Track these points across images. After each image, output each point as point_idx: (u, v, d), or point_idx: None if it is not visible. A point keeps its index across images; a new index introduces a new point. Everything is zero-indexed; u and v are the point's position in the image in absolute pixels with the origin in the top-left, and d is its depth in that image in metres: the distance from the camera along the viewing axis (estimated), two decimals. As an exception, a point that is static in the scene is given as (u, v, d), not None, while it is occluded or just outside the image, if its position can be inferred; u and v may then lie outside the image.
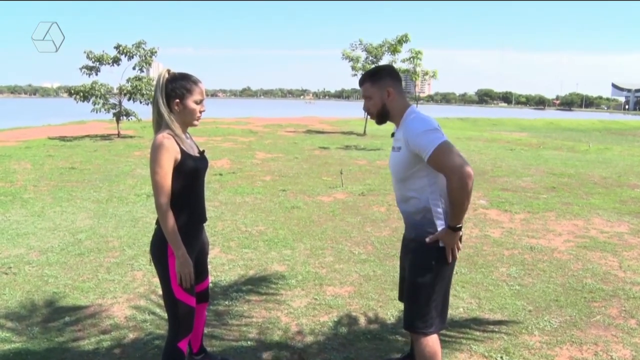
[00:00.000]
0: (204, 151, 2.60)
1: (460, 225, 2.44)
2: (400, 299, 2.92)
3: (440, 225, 2.50)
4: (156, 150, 2.32)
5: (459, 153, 2.38)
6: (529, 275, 4.72)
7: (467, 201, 2.37)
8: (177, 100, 2.41)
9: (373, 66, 2.62)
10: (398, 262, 4.92)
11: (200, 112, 2.47)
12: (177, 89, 2.40)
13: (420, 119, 2.47)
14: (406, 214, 2.64)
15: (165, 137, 2.34)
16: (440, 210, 2.51)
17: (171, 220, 2.35)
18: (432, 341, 2.56)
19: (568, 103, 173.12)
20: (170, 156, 2.33)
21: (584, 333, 3.58)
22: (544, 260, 5.13)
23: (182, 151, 2.39)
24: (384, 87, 2.54)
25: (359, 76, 17.35)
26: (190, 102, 2.42)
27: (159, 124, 2.42)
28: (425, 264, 2.52)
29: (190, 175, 2.43)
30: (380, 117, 2.62)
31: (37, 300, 4.00)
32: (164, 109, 2.39)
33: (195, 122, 2.48)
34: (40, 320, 3.67)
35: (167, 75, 2.42)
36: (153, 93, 2.44)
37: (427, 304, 2.53)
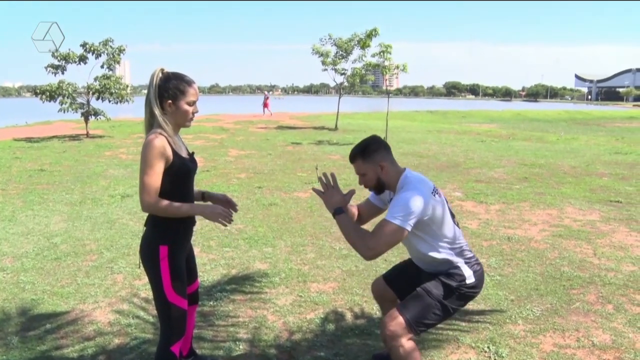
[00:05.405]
0: (193, 153, 2.56)
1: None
2: (386, 279, 2.94)
3: (466, 272, 2.58)
4: (147, 149, 2.27)
5: (392, 243, 2.48)
6: (508, 265, 4.80)
7: (350, 243, 2.57)
8: (170, 101, 2.36)
9: (358, 146, 2.65)
10: (379, 257, 4.96)
11: (193, 113, 2.43)
12: (170, 90, 2.34)
13: (407, 198, 2.45)
14: (428, 268, 2.69)
15: (156, 136, 2.29)
16: (457, 258, 2.60)
17: (167, 204, 2.32)
18: (408, 342, 2.54)
19: (534, 94, 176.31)
20: (161, 156, 2.28)
21: (565, 320, 3.67)
22: (521, 250, 5.23)
23: (174, 152, 2.35)
24: (376, 163, 2.58)
25: (330, 72, 17.18)
26: (183, 104, 2.37)
27: (151, 123, 2.37)
28: (448, 285, 2.57)
29: (180, 176, 2.39)
30: (378, 189, 2.68)
31: (14, 308, 3.89)
32: (156, 109, 2.34)
33: (187, 124, 2.44)
34: (20, 329, 3.56)
35: (160, 75, 2.36)
36: (146, 92, 2.38)
37: (427, 310, 2.54)
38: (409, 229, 2.43)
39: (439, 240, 2.57)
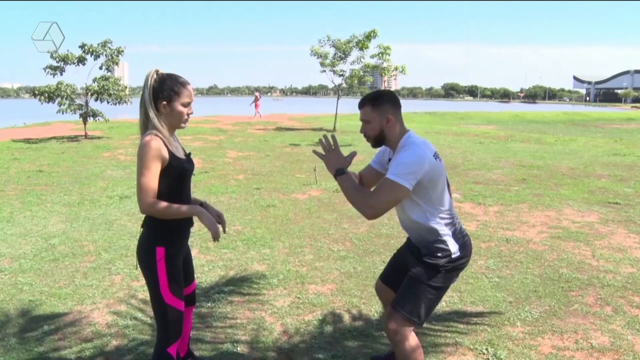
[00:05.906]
0: (190, 153, 2.56)
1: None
2: (383, 279, 2.95)
3: (452, 246, 2.56)
4: (143, 151, 2.27)
5: (393, 201, 2.45)
6: (506, 267, 4.80)
7: (352, 203, 2.52)
8: (164, 103, 2.36)
9: (371, 93, 2.62)
10: (377, 258, 4.96)
11: (188, 114, 2.43)
12: (164, 91, 2.34)
13: (409, 157, 2.44)
14: (415, 237, 2.67)
15: (152, 138, 2.29)
16: (446, 229, 2.56)
17: (166, 205, 2.31)
18: (412, 337, 2.56)
19: (532, 95, 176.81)
20: (157, 157, 2.28)
21: (564, 322, 3.67)
22: (520, 252, 5.23)
23: (170, 153, 2.34)
24: (384, 113, 2.54)
25: (328, 73, 17.15)
26: (178, 105, 2.37)
27: (146, 124, 2.37)
28: (434, 265, 2.56)
29: (177, 177, 2.39)
30: (377, 141, 2.63)
31: (12, 310, 3.88)
32: (151, 110, 2.34)
33: (182, 125, 2.44)
34: (17, 330, 3.55)
35: (155, 76, 2.36)
36: (141, 93, 2.38)
37: (420, 298, 2.55)
38: (410, 187, 2.39)
39: (433, 208, 2.53)
